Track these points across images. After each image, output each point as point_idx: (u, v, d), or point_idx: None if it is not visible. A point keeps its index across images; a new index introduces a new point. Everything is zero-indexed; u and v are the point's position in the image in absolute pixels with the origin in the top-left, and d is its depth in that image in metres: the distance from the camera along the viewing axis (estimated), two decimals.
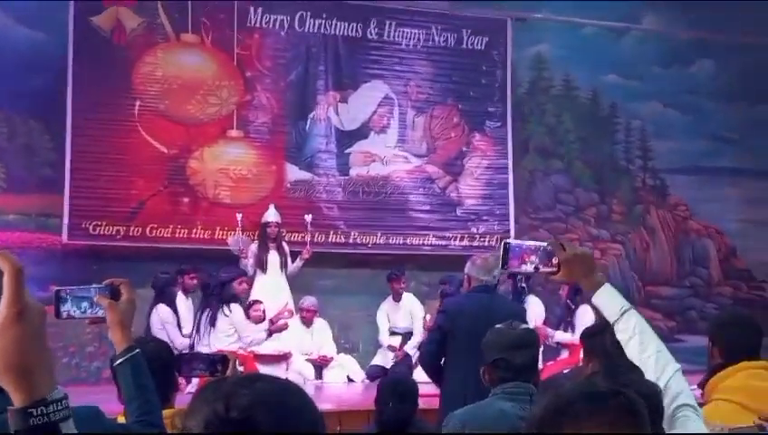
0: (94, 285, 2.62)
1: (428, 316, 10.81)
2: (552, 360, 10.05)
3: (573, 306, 10.35)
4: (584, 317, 10.22)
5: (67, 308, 2.60)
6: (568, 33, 13.48)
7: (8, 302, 1.38)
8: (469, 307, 6.01)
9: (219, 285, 9.47)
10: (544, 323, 10.29)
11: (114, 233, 11.01)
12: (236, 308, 9.39)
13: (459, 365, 5.82)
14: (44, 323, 1.44)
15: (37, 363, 1.40)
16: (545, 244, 2.72)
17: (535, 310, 10.32)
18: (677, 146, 13.79)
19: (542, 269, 2.71)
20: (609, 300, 2.69)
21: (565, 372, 9.81)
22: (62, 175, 10.88)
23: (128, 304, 2.72)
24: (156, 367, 3.07)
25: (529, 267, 2.72)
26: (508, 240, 2.75)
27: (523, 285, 10.48)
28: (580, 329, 10.05)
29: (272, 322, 9.71)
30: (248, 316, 9.57)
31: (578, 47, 13.43)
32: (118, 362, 2.80)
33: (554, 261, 2.67)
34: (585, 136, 13.57)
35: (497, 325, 4.22)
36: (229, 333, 9.27)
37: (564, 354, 10.30)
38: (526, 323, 5.51)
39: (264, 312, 9.84)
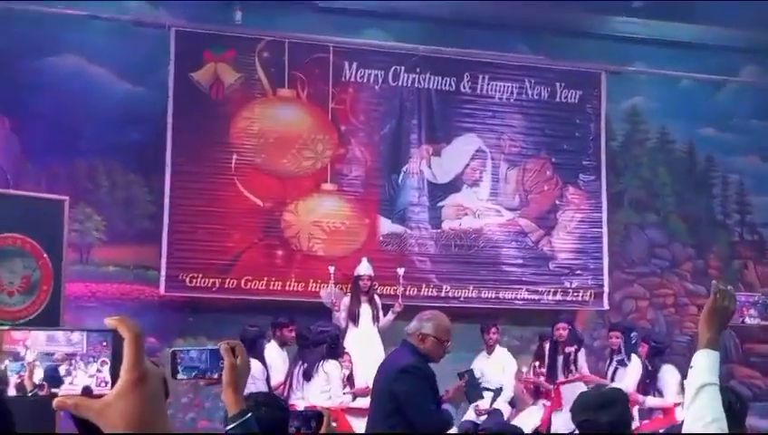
0: (209, 347, 2.66)
1: (525, 369, 10.71)
2: (647, 419, 9.85)
3: (650, 368, 10.11)
4: (668, 378, 10.01)
5: (182, 368, 2.65)
6: (663, 86, 13.37)
7: (129, 367, 1.42)
8: (383, 361, 6.49)
9: (324, 339, 9.45)
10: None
11: (210, 285, 11.16)
12: (335, 366, 9.37)
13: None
14: (163, 388, 1.47)
15: (157, 428, 1.44)
16: (759, 295, 2.79)
17: (634, 373, 10.10)
18: None
19: (760, 323, 2.78)
20: None
21: (661, 431, 9.64)
22: (160, 227, 11.09)
23: (244, 365, 2.75)
24: (270, 430, 3.09)
25: (752, 320, 2.78)
26: None
27: (620, 341, 10.25)
28: (667, 391, 9.90)
29: (354, 394, 9.67)
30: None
31: (673, 100, 13.30)
32: (231, 426, 2.82)
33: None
34: (681, 190, 13.39)
35: (583, 390, 4.19)
36: (325, 389, 9.27)
37: (658, 414, 10.07)
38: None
39: (351, 364, 9.83)
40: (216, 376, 2.69)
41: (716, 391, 2.71)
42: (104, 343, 1.52)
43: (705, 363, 2.74)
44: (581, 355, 10.28)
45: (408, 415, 5.64)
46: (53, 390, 1.52)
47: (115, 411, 1.41)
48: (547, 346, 10.56)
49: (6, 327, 1.57)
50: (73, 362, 1.52)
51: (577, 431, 4.06)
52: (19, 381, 1.53)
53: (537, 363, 10.70)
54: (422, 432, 5.69)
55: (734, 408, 3.71)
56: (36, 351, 1.53)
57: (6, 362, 1.52)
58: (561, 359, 10.31)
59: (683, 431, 2.76)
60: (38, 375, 1.53)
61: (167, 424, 1.47)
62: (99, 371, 1.52)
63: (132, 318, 1.46)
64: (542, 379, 10.63)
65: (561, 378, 10.15)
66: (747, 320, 2.61)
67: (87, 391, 1.51)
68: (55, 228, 8.58)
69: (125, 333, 1.44)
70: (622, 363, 10.19)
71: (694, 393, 2.73)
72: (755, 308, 2.56)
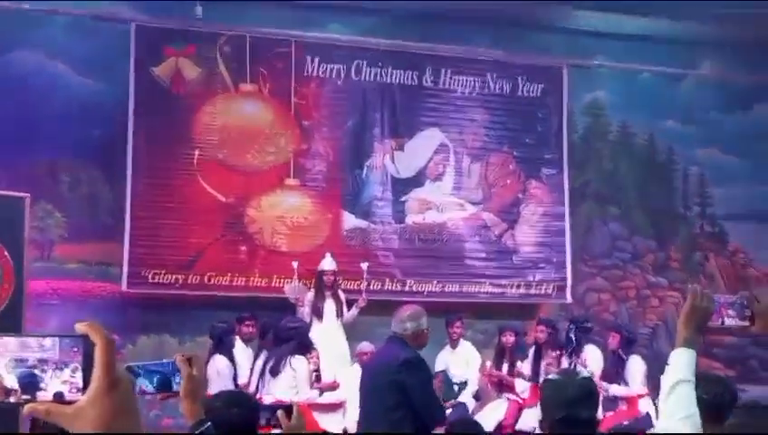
0: (165, 360, 2.64)
1: (488, 363, 10.77)
2: (611, 411, 9.91)
3: (625, 357, 10.20)
4: (636, 368, 10.10)
5: (140, 383, 2.63)
6: (624, 80, 13.45)
7: (100, 373, 1.41)
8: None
9: (292, 335, 9.43)
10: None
11: (173, 281, 11.10)
12: (303, 362, 9.34)
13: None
14: (134, 393, 1.46)
15: (130, 433, 1.42)
16: (738, 296, 2.82)
17: (595, 359, 10.21)
18: (736, 192, 13.62)
19: (737, 323, 2.80)
20: None
21: (625, 423, 9.72)
22: (122, 224, 11.02)
23: (200, 376, 2.75)
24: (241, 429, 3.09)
25: (730, 321, 2.80)
26: None
27: (572, 335, 10.39)
28: (634, 381, 9.99)
29: (321, 389, 9.68)
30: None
31: (635, 93, 13.37)
32: None
33: (747, 313, 2.76)
34: (642, 183, 13.47)
35: (549, 376, 4.13)
36: (292, 385, 9.25)
37: (622, 406, 10.14)
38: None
39: (318, 359, 9.82)
40: (175, 388, 2.68)
41: (691, 388, 2.75)
42: (75, 349, 1.51)
43: (681, 361, 2.78)
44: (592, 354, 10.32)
45: (416, 405, 5.72)
46: (25, 396, 1.50)
47: (87, 417, 1.40)
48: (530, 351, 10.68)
49: None
50: (46, 368, 1.51)
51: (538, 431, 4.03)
52: None
53: (498, 357, 10.83)
54: (428, 422, 5.82)
55: (723, 399, 3.73)
56: (8, 357, 1.51)
57: None
58: (543, 362, 10.39)
59: (656, 426, 2.79)
60: (9, 381, 1.51)
61: (139, 430, 1.46)
62: (72, 377, 1.50)
63: (95, 317, 1.44)
64: (504, 372, 10.72)
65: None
66: (726, 321, 2.63)
67: (59, 397, 1.50)
68: (16, 226, 8.49)
69: (96, 340, 1.43)
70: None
71: (669, 389, 2.77)
72: (733, 309, 2.60)
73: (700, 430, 2.76)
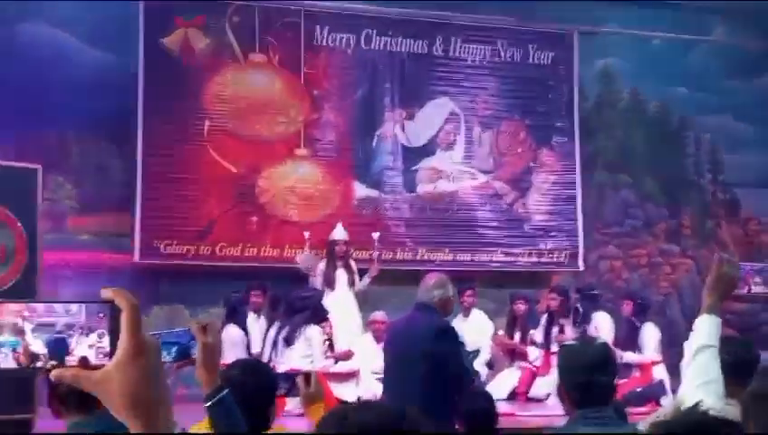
0: (179, 329, 2.63)
1: (501, 332, 10.79)
2: (624, 378, 9.92)
3: (639, 325, 10.22)
4: (650, 335, 10.12)
5: None
6: (635, 46, 13.38)
7: (127, 338, 1.41)
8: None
9: (307, 305, 9.45)
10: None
11: (185, 252, 11.11)
12: (317, 331, 9.36)
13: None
14: (161, 359, 1.46)
15: (157, 399, 1.42)
16: (765, 264, 2.85)
17: (605, 327, 10.22)
18: (749, 160, 13.58)
19: (763, 290, 2.84)
20: None
21: (638, 390, 9.73)
22: (133, 195, 11.01)
23: (216, 343, 2.74)
24: (255, 404, 3.09)
25: (757, 288, 2.84)
26: None
27: (578, 305, 10.40)
28: (647, 348, 10.00)
29: (335, 358, 9.69)
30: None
31: (646, 60, 13.30)
32: (208, 403, 2.82)
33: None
34: (654, 150, 13.42)
35: (566, 342, 4.11)
36: (307, 354, 9.27)
37: (635, 373, 10.16)
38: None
39: (331, 329, 9.83)
40: (192, 357, 2.68)
41: (714, 354, 2.75)
42: (101, 315, 1.50)
43: (705, 327, 2.79)
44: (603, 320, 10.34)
45: (450, 373, 5.76)
46: (52, 362, 1.49)
47: (114, 383, 1.39)
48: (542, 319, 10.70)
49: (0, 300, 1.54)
50: (72, 332, 1.50)
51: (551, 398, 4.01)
52: (16, 354, 1.50)
53: (510, 326, 10.87)
54: (460, 389, 5.85)
55: (746, 359, 3.72)
56: (35, 322, 1.50)
57: (5, 334, 1.48)
58: (555, 329, 10.41)
59: (680, 389, 2.79)
60: (36, 347, 1.50)
61: (167, 396, 1.45)
62: (98, 342, 1.50)
63: (106, 284, 1.44)
64: (516, 340, 10.74)
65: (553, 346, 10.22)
66: (753, 288, 2.63)
67: (84, 362, 1.49)
68: (29, 197, 8.48)
69: (122, 305, 1.42)
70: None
71: (692, 354, 2.77)
72: (760, 276, 2.58)
73: (722, 395, 2.75)
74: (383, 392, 6.39)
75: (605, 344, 4.14)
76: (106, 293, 1.45)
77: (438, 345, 5.76)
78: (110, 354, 1.45)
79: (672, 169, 13.50)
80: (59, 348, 1.49)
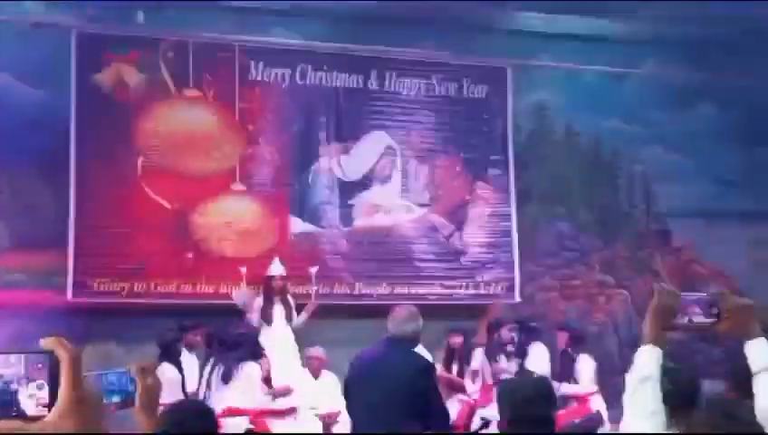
0: (117, 370, 2.59)
1: (438, 365, 10.77)
2: (562, 409, 9.95)
3: (574, 356, 10.28)
4: (585, 366, 10.18)
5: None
6: (568, 80, 13.53)
7: (68, 389, 1.39)
8: (367, 359, 6.12)
9: (243, 341, 9.35)
10: None
11: (119, 290, 10.99)
12: (255, 368, 9.27)
13: (357, 414, 6.04)
14: (102, 407, 1.44)
15: None
16: (701, 294, 2.83)
17: (541, 360, 10.25)
18: (680, 190, 13.76)
19: (703, 320, 2.80)
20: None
21: (576, 421, 9.78)
22: (66, 232, 10.87)
23: (156, 385, 2.70)
24: None
25: (697, 319, 2.80)
26: None
27: (512, 334, 10.45)
28: (583, 379, 10.06)
29: (273, 395, 9.61)
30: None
31: (578, 93, 13.46)
32: None
33: (714, 311, 2.78)
34: (588, 182, 13.57)
35: (505, 376, 4.14)
36: (246, 391, 9.17)
37: (572, 404, 10.20)
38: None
39: (269, 365, 9.75)
40: (131, 397, 2.63)
41: (656, 386, 2.75)
42: (39, 366, 1.47)
43: (646, 358, 2.79)
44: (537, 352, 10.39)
45: (432, 411, 5.73)
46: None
47: (56, 433, 1.37)
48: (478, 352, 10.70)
49: None
50: (12, 385, 1.46)
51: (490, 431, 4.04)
52: None
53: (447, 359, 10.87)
54: (440, 427, 5.83)
55: (686, 389, 3.74)
56: None
57: None
58: (502, 357, 10.42)
59: (622, 422, 2.80)
60: None
61: None
62: (38, 392, 1.46)
63: (40, 327, 1.41)
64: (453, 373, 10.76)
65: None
66: (694, 318, 2.65)
67: (22, 415, 1.46)
68: None
69: (62, 355, 1.40)
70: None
71: (633, 387, 2.77)
72: (699, 307, 2.60)
73: (665, 428, 2.77)
74: (353, 428, 6.29)
75: (544, 378, 4.21)
76: (46, 343, 1.43)
77: (423, 382, 5.74)
78: (50, 405, 1.43)
79: (606, 200, 13.66)
80: (5, 400, 1.45)
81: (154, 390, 2.68)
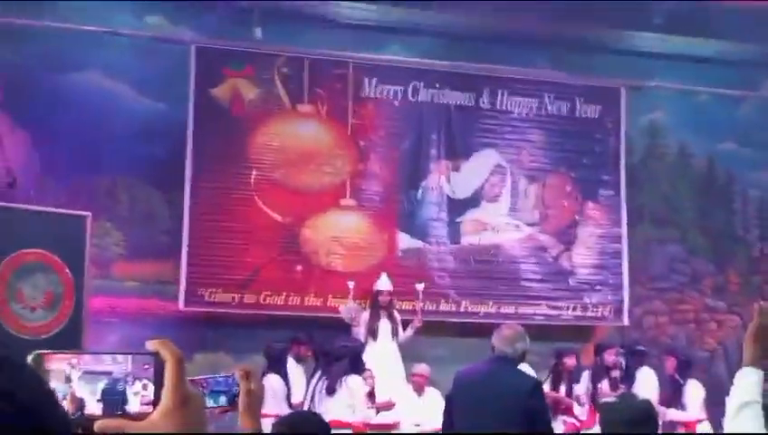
0: (223, 374, 2.65)
1: (546, 386, 10.69)
2: None
3: (682, 382, 10.09)
4: (694, 393, 9.98)
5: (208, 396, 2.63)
6: (683, 101, 13.33)
7: (171, 389, 1.42)
8: (474, 376, 6.06)
9: (346, 354, 9.41)
10: None
11: (229, 300, 11.18)
12: (359, 381, 9.34)
13: (461, 430, 5.94)
14: (204, 410, 1.48)
15: None
16: None
17: (648, 384, 10.09)
18: None
19: None
20: None
21: None
22: (179, 242, 11.11)
23: (259, 391, 2.75)
24: None
25: None
26: None
27: (620, 360, 10.28)
28: (692, 405, 9.87)
29: (376, 409, 9.65)
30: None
31: (693, 115, 13.25)
32: None
33: None
34: (701, 205, 13.34)
35: (607, 400, 4.11)
36: (349, 404, 9.23)
37: (680, 431, 10.02)
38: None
39: (373, 379, 9.80)
40: (233, 403, 2.69)
41: (759, 409, 2.69)
42: (146, 366, 1.52)
43: (748, 381, 2.73)
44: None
45: (544, 429, 5.78)
46: (106, 410, 1.51)
47: (159, 432, 1.41)
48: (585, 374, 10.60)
49: (48, 351, 1.57)
50: (119, 384, 1.52)
51: None
52: (63, 402, 1.52)
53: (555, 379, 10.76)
54: None
55: None
56: (82, 370, 1.52)
57: (53, 383, 1.51)
58: (606, 381, 10.30)
59: None
60: (82, 394, 1.52)
61: None
62: (143, 391, 1.52)
63: (153, 335, 1.46)
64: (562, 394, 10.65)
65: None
66: None
67: (125, 414, 1.51)
68: (77, 244, 8.61)
69: (167, 357, 1.44)
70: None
71: (735, 410, 2.72)
72: None
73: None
74: None
75: (646, 401, 4.16)
76: (152, 344, 1.47)
77: (534, 402, 5.73)
78: (154, 404, 1.47)
79: (719, 223, 13.40)
80: (113, 398, 1.51)
81: (257, 394, 2.73)
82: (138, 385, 1.53)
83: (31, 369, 1.30)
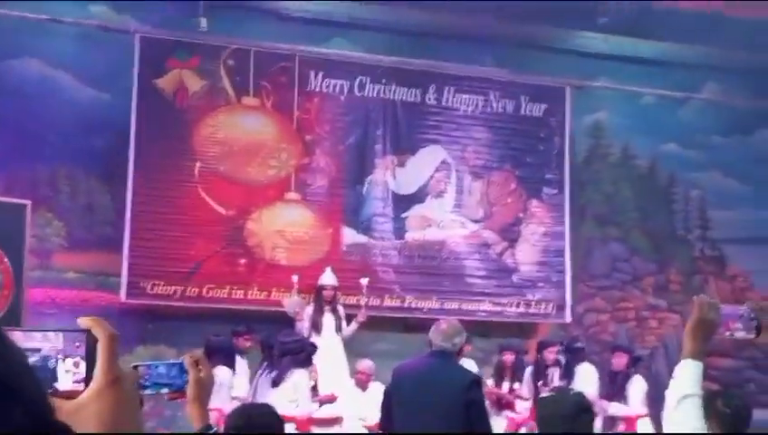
0: (171, 360, 2.61)
1: (488, 381, 10.72)
2: (609, 431, 9.89)
3: (631, 375, 10.19)
4: (638, 388, 10.09)
5: (149, 392, 2.60)
6: (627, 102, 13.47)
7: (103, 368, 1.39)
8: (412, 371, 6.09)
9: (299, 348, 9.36)
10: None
11: (171, 293, 11.09)
12: (304, 375, 9.28)
13: (399, 425, 5.94)
14: (137, 392, 1.45)
15: (132, 428, 1.41)
16: (744, 308, 2.80)
17: (588, 380, 10.18)
18: (737, 216, 13.64)
19: (745, 335, 2.78)
20: None
21: None
22: (121, 234, 11.00)
23: (208, 379, 2.72)
24: None
25: (738, 334, 2.78)
26: None
27: (560, 357, 10.39)
28: (634, 400, 9.97)
29: (319, 403, 9.62)
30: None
31: (637, 116, 13.40)
32: None
33: (754, 324, 2.75)
34: (643, 205, 13.49)
35: (543, 395, 4.17)
36: (293, 398, 9.18)
37: (620, 426, 10.12)
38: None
39: (317, 374, 9.76)
40: (181, 390, 2.65)
41: (698, 402, 2.71)
42: (77, 344, 1.49)
43: (687, 374, 2.75)
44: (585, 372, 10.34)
45: (481, 424, 5.79)
46: None
47: (89, 413, 1.38)
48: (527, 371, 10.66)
49: None
50: (50, 361, 1.48)
51: None
52: None
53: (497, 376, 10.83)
54: None
55: (741, 413, 3.71)
56: None
57: None
58: (547, 377, 10.37)
59: None
60: None
61: (141, 428, 1.44)
62: (74, 369, 1.48)
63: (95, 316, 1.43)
64: (504, 390, 10.71)
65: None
66: (735, 334, 2.62)
67: (55, 392, 1.47)
68: (16, 233, 8.47)
69: (99, 335, 1.41)
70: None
71: (675, 402, 2.73)
72: (740, 321, 2.57)
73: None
74: None
75: (581, 395, 4.21)
76: (84, 321, 1.44)
77: (472, 396, 5.75)
78: (86, 382, 1.44)
79: (661, 223, 13.56)
80: (44, 376, 1.47)
81: (206, 382, 2.70)
82: (69, 362, 1.49)
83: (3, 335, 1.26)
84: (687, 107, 13.85)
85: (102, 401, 1.38)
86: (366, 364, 10.51)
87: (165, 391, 2.54)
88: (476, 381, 5.95)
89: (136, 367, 2.43)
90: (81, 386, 1.43)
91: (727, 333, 2.79)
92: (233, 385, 9.47)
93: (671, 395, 2.77)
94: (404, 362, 6.56)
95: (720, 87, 13.83)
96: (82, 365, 1.46)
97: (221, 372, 9.31)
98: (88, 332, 1.42)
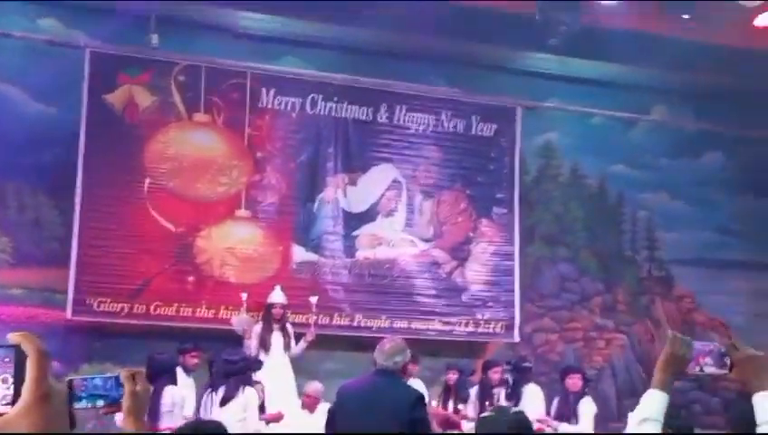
0: (107, 374, 2.59)
1: (434, 402, 10.72)
2: None
3: (583, 396, 10.24)
4: (588, 408, 10.14)
5: (83, 404, 2.57)
6: (577, 123, 13.59)
7: (32, 384, 1.38)
8: (357, 389, 6.11)
9: (246, 367, 9.29)
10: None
11: (118, 310, 10.99)
12: (253, 394, 9.23)
13: None
14: (66, 408, 1.43)
15: None
16: (714, 344, 2.87)
17: (534, 400, 10.21)
18: (684, 237, 13.80)
19: (714, 371, 2.84)
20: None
21: None
22: (68, 250, 10.88)
23: (144, 393, 2.70)
24: None
25: (709, 369, 2.84)
26: None
27: (506, 377, 10.42)
28: (584, 420, 10.02)
29: (266, 421, 9.56)
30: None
31: (586, 136, 13.53)
32: None
33: (726, 361, 2.82)
34: (592, 225, 13.59)
35: (483, 414, 4.19)
36: (241, 416, 9.11)
37: None
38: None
39: (263, 392, 9.71)
40: (116, 403, 2.63)
41: (658, 427, 2.79)
42: (6, 359, 1.47)
43: (652, 402, 2.84)
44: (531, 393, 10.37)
45: None
46: None
47: (17, 430, 1.37)
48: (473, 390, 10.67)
49: None
50: None
51: None
52: None
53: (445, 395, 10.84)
54: None
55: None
56: None
57: None
58: (493, 398, 10.38)
59: None
60: None
61: None
62: (3, 385, 1.46)
63: (24, 331, 1.41)
64: (450, 410, 10.71)
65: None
66: (705, 369, 2.68)
67: None
68: None
69: (28, 350, 1.40)
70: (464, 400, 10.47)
71: (637, 423, 2.82)
72: (711, 357, 2.63)
73: None
74: None
75: (520, 413, 4.26)
76: (13, 337, 1.43)
77: (416, 415, 5.76)
78: (13, 401, 1.42)
79: (609, 244, 13.68)
80: None
81: (142, 396, 2.68)
82: None
83: None
84: (637, 128, 14.00)
85: (31, 417, 1.37)
86: (314, 387, 10.42)
87: (100, 403, 2.51)
88: (420, 399, 5.95)
89: (71, 381, 2.41)
90: (8, 408, 1.42)
91: (697, 368, 2.86)
92: (184, 405, 9.38)
93: (634, 417, 2.86)
94: (348, 381, 6.58)
95: (668, 109, 14.01)
96: (11, 381, 1.44)
97: (173, 391, 9.22)
98: (17, 347, 1.41)
